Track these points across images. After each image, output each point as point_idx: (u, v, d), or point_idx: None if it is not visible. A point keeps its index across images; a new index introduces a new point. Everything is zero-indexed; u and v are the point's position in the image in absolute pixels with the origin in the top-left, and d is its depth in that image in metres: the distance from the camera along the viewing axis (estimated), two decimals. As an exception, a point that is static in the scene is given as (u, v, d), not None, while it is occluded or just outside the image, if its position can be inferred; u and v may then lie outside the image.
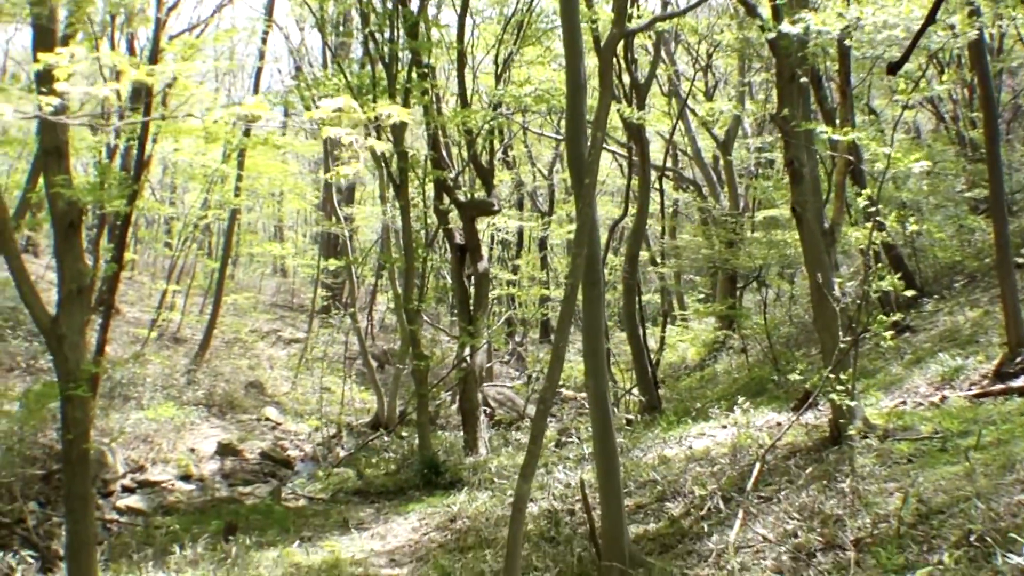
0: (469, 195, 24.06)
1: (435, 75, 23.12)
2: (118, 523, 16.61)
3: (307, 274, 45.05)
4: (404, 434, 23.19)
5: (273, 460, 22.59)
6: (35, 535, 14.25)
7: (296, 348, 34.99)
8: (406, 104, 19.99)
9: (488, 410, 23.89)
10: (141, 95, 17.77)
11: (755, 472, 11.37)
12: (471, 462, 18.86)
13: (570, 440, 18.53)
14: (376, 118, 5.13)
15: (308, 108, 4.87)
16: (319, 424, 25.65)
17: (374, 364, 28.21)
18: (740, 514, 10.34)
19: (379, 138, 19.91)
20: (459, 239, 22.01)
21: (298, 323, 39.62)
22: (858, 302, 12.44)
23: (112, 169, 17.97)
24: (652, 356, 21.80)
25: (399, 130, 20.31)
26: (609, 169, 37.67)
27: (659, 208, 29.14)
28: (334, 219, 30.82)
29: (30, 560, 13.32)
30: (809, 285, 13.37)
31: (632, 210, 22.66)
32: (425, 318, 24.19)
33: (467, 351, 21.05)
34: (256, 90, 33.13)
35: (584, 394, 23.29)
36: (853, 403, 11.54)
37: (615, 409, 19.11)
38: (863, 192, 12.91)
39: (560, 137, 30.51)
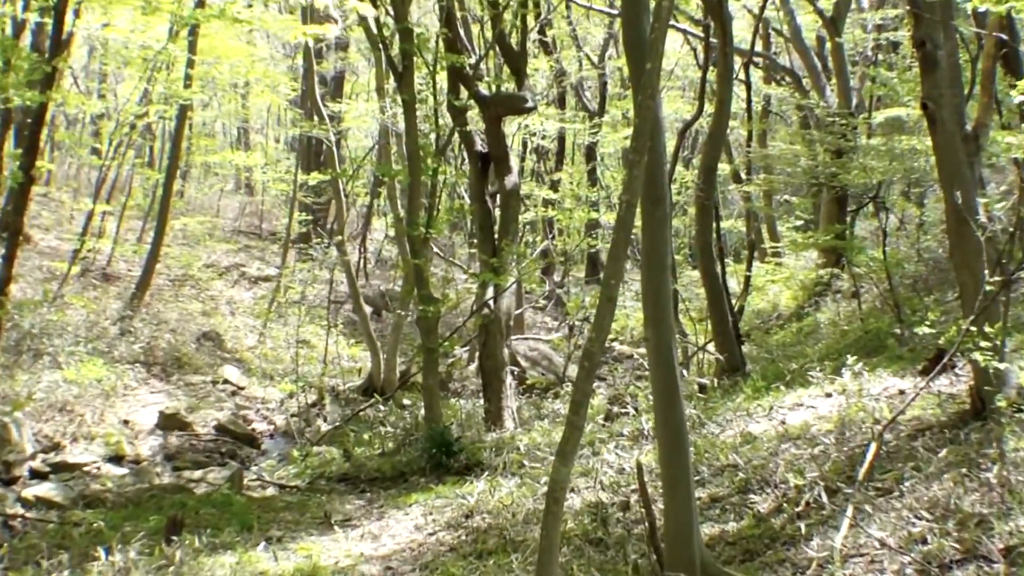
0: (494, 88, 23.85)
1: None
2: (24, 519, 16.56)
3: (280, 191, 45.07)
4: (406, 402, 23.22)
5: (233, 436, 22.66)
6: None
7: (265, 289, 35.11)
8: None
9: (517, 371, 23.88)
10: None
11: (869, 456, 11.26)
12: (493, 439, 18.87)
13: (624, 411, 18.46)
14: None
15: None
16: (294, 389, 25.69)
17: (368, 310, 28.23)
18: (849, 511, 10.26)
19: (375, 5, 19.76)
20: (480, 146, 21.88)
21: (268, 256, 39.79)
22: (1010, 231, 12.25)
23: (20, 48, 17.85)
24: (734, 301, 21.68)
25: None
26: (680, 54, 37.34)
27: (745, 106, 28.82)
28: (316, 119, 30.67)
29: None
30: (944, 208, 13.18)
31: (709, 109, 22.43)
32: (435, 249, 24.14)
33: (490, 293, 20.99)
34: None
35: (643, 351, 23.23)
36: (1002, 365, 11.38)
37: (684, 371, 19.00)
38: (1019, 84, 12.65)
39: (615, 12, 30.20)
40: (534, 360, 27.05)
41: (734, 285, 24.51)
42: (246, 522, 15.47)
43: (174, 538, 13.93)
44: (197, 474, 20.11)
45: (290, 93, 41.89)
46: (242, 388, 26.40)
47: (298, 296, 32.64)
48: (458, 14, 21.63)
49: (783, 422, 14.59)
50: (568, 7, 34.08)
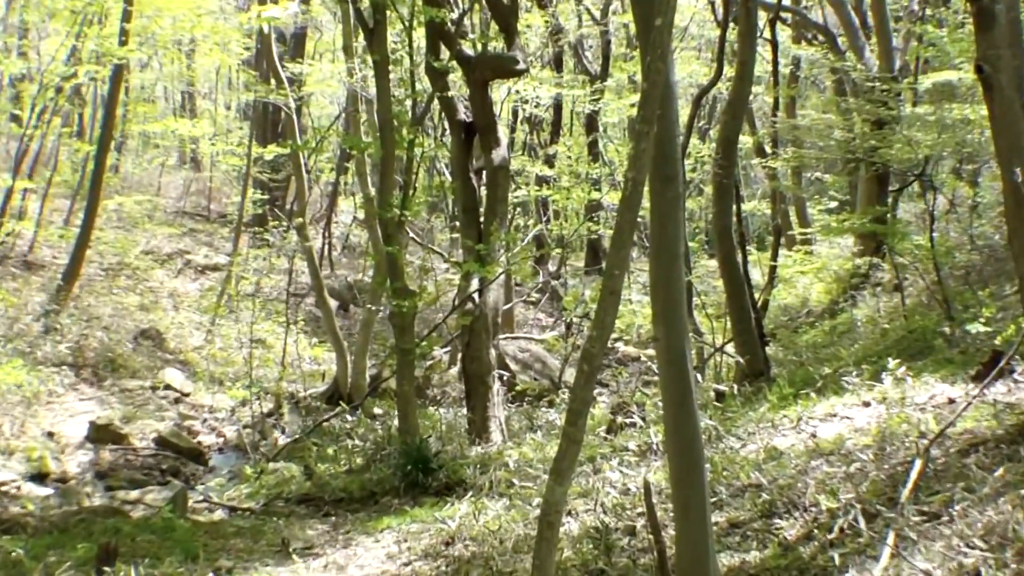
0: (479, 47, 23.82)
1: None
2: (-72, 549, 16.57)
3: (232, 167, 44.97)
4: (377, 411, 23.22)
5: (176, 450, 22.64)
6: None
7: (214, 279, 35.10)
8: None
9: (505, 375, 23.87)
10: None
11: (914, 475, 11.25)
12: (478, 454, 18.87)
13: (630, 422, 18.47)
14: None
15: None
16: (247, 396, 25.62)
17: (333, 305, 28.23)
18: (890, 539, 10.24)
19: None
20: (464, 114, 21.85)
21: (217, 241, 39.76)
22: (1079, 214, 12.25)
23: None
24: (757, 296, 21.69)
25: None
26: (695, 8, 37.34)
27: (770, 70, 28.86)
28: (273, 83, 30.63)
29: None
30: (1002, 188, 13.17)
31: (729, 72, 22.43)
32: (411, 234, 24.10)
33: (474, 285, 20.95)
34: None
35: (651, 352, 23.24)
36: (1068, 370, 11.40)
37: (699, 376, 18.99)
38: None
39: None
40: (525, 363, 27.06)
41: (757, 276, 24.55)
42: (191, 550, 15.40)
43: (106, 569, 13.86)
44: (134, 494, 20.03)
45: (243, 52, 41.70)
46: (187, 395, 26.36)
47: (252, 288, 32.57)
48: (439, -39, 21.58)
49: (813, 435, 14.56)
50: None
